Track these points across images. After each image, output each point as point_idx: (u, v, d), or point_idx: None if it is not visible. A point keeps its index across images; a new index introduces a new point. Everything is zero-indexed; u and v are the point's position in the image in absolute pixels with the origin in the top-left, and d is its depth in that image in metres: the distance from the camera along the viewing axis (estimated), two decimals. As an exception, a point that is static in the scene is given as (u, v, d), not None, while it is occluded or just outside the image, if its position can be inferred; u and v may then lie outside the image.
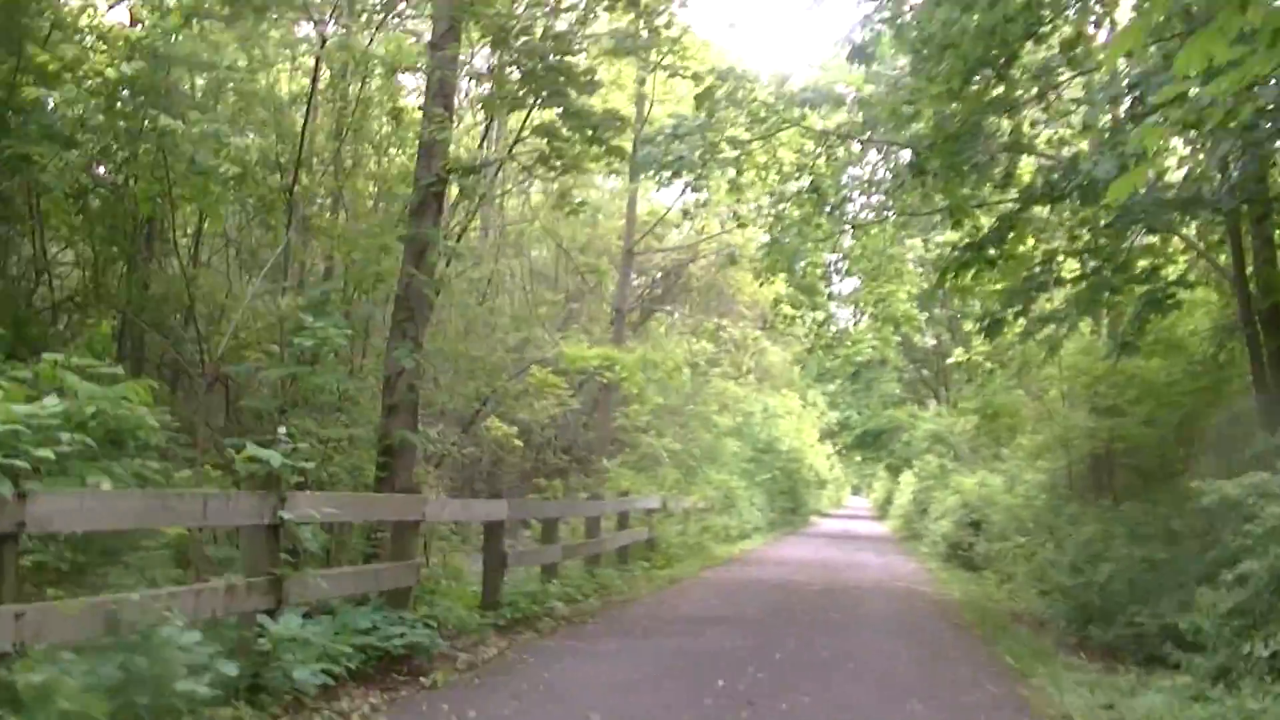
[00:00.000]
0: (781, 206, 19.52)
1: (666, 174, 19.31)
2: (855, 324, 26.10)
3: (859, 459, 76.53)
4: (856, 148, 19.36)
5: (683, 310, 31.47)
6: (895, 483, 66.72)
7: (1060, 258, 14.77)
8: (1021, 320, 15.12)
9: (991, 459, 31.19)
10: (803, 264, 20.80)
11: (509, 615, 11.94)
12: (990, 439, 31.15)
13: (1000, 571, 20.96)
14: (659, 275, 29.91)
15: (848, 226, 20.29)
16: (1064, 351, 21.56)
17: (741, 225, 20.97)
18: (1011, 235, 14.82)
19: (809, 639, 12.11)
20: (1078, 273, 14.89)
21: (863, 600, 16.87)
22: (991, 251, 14.92)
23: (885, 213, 19.91)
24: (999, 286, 17.14)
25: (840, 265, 23.40)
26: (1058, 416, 22.65)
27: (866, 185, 19.89)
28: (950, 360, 25.69)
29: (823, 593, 17.65)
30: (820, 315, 23.43)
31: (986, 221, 16.09)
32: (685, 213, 20.75)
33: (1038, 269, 14.71)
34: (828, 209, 20.03)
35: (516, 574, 13.34)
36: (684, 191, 19.80)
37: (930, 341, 43.81)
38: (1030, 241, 15.75)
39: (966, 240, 15.38)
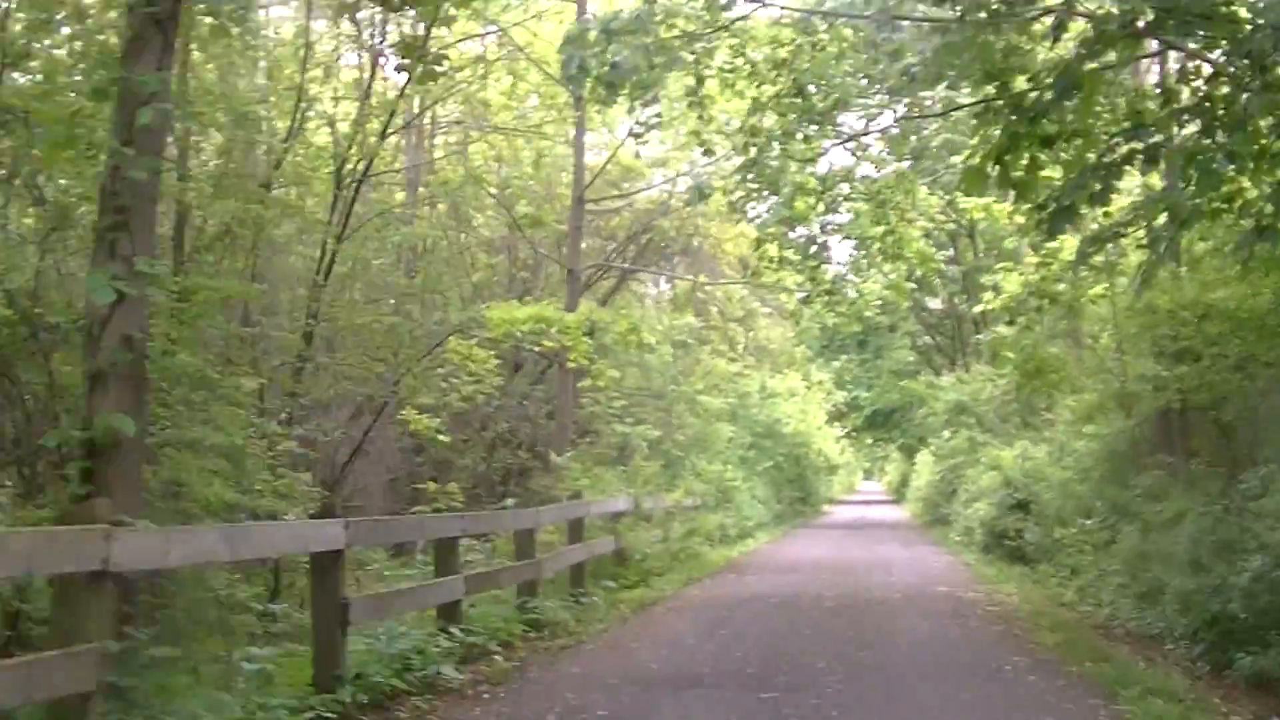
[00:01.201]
0: (756, 116, 15.13)
1: (602, 89, 14.94)
2: (860, 263, 21.54)
3: (870, 441, 72.58)
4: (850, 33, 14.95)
5: (662, 277, 27.02)
6: (910, 464, 62.75)
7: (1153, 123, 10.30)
8: (1100, 212, 10.74)
9: (1024, 427, 26.91)
10: (785, 192, 16.37)
11: (352, 698, 7.59)
12: (1026, 403, 26.89)
13: (1061, 565, 16.61)
14: (626, 237, 25.47)
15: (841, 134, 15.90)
16: (1119, 285, 17.39)
17: (708, 152, 16.56)
18: (1079, 97, 10.35)
19: (830, 708, 7.76)
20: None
21: (899, 621, 12.46)
22: (1049, 125, 10.45)
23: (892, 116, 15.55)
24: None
25: (834, 195, 19.02)
26: (1114, 368, 18.41)
27: (866, 83, 15.52)
28: (980, 308, 21.18)
29: (843, 612, 13.29)
30: (812, 249, 18.96)
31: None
32: (633, 134, 16.36)
33: (1118, 142, 10.27)
34: (814, 125, 15.71)
35: (392, 626, 8.99)
36: (631, 110, 15.33)
37: (938, 304, 39.46)
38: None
39: (1009, 108, 10.84)
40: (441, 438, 15.41)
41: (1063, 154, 10.52)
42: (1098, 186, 9.84)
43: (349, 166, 15.93)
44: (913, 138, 21.13)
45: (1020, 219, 19.58)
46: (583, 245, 23.32)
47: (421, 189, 22.09)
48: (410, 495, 23.06)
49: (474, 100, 21.16)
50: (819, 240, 19.09)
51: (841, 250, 23.01)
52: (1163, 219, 9.96)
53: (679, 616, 13.14)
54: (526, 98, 21.68)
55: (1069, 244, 17.74)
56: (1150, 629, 11.45)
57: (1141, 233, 11.07)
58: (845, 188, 17.37)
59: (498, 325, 15.13)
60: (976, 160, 10.53)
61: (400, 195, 21.36)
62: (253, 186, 12.98)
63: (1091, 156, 10.50)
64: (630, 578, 16.16)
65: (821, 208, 18.67)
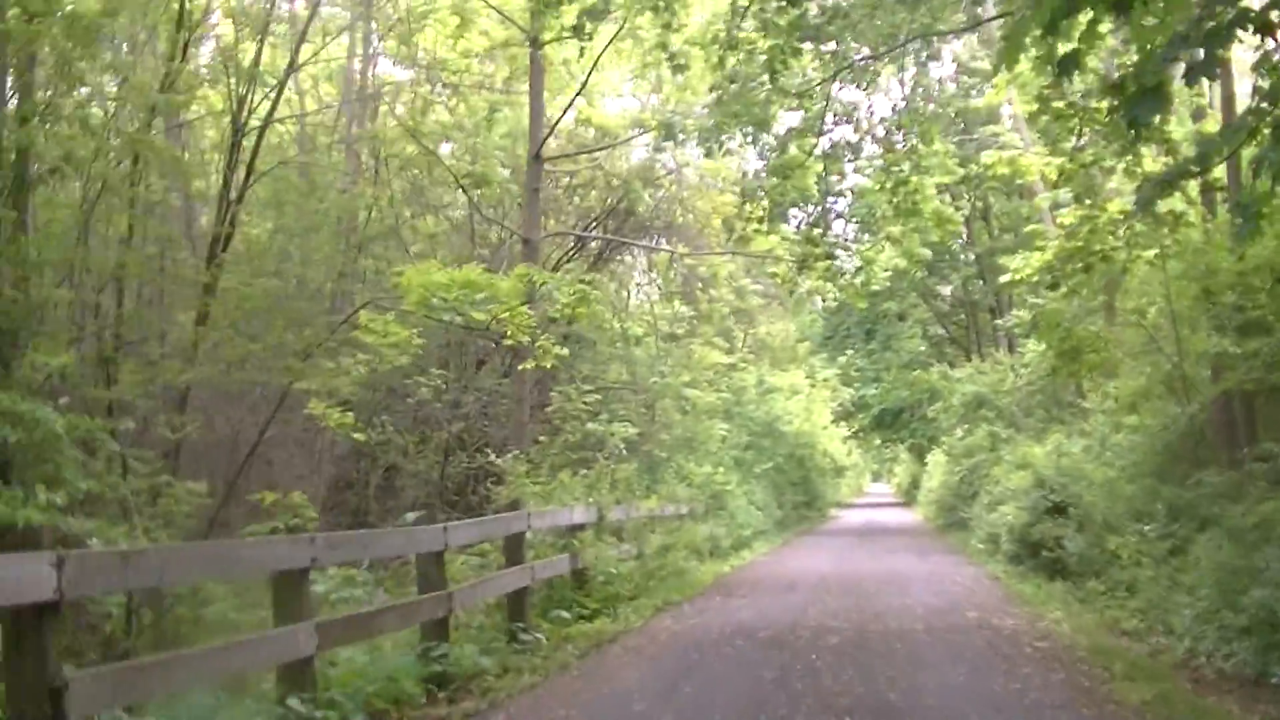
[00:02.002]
0: (735, 21, 12.22)
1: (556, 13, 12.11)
2: (868, 222, 18.47)
3: (878, 442, 69.62)
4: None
5: (643, 253, 24.11)
6: (921, 465, 59.71)
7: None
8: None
9: (1051, 421, 24.00)
10: (773, 135, 13.49)
11: None
12: (1052, 394, 24.00)
13: (1113, 581, 13.70)
14: (603, 210, 22.51)
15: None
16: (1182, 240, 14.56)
17: (678, 69, 13.65)
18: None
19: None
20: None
21: (925, 669, 9.44)
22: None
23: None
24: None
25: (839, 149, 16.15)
26: (1165, 346, 15.66)
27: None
28: (1006, 278, 18.25)
29: (849, 652, 10.34)
30: (810, 213, 16.07)
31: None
32: (581, 49, 13.37)
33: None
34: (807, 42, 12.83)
35: (191, 705, 6.11)
36: (581, 30, 12.43)
37: (949, 290, 36.51)
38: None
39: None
40: (357, 435, 12.49)
41: (1144, 20, 7.59)
42: (1198, 55, 6.86)
43: (248, 111, 13.10)
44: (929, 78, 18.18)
45: (1052, 171, 16.75)
46: (551, 222, 20.51)
47: (367, 157, 19.29)
48: (354, 506, 20.27)
49: (421, 50, 18.31)
50: (818, 202, 16.20)
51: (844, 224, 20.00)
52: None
53: (637, 661, 10.20)
54: (477, 50, 18.79)
55: (1112, 205, 14.89)
56: (1247, 668, 8.67)
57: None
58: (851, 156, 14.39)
59: (412, 291, 12.26)
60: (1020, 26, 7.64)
61: (338, 157, 18.54)
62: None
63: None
64: (590, 605, 13.25)
65: (820, 153, 15.80)
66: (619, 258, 24.68)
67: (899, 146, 15.25)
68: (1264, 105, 6.74)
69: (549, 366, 16.00)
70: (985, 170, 18.47)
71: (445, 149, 20.65)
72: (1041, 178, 17.26)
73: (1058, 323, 16.13)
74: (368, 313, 13.11)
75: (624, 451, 19.15)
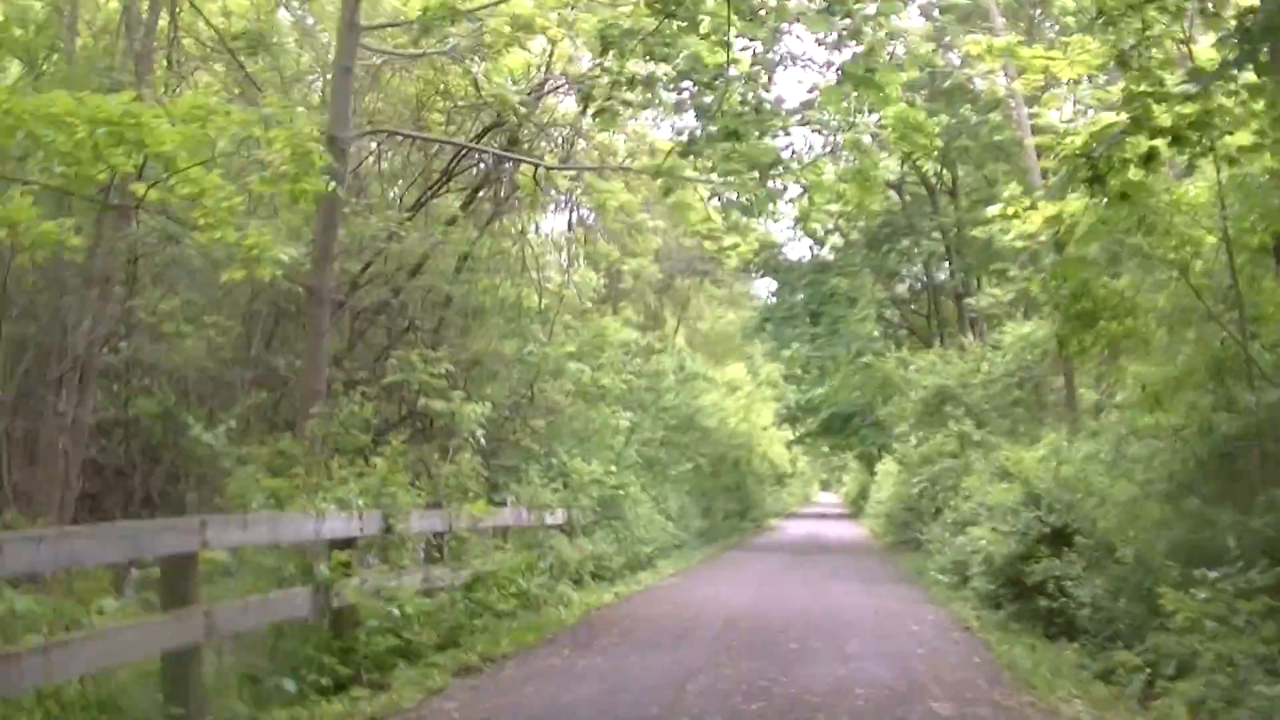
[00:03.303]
0: None
1: None
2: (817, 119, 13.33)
3: (826, 449, 65.21)
4: None
5: (498, 156, 19.01)
6: (870, 475, 55.17)
7: None
8: None
9: (1030, 420, 19.41)
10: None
11: None
12: (1034, 388, 19.34)
13: (1162, 653, 8.90)
14: (484, 128, 17.34)
15: None
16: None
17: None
18: None
19: None
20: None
21: None
22: None
23: None
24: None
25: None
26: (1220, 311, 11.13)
27: None
28: (995, 209, 13.51)
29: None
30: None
31: None
32: None
33: None
34: None
35: None
36: None
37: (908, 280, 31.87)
38: None
39: None
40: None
41: None
42: None
43: None
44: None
45: (1068, 65, 12.00)
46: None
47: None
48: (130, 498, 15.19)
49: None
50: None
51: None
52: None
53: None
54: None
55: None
56: None
57: None
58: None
59: None
60: None
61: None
62: None
63: None
64: (344, 670, 8.30)
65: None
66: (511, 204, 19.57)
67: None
68: None
69: (268, 279, 11.00)
70: (964, 72, 13.71)
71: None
72: (1045, 78, 12.48)
73: (1075, 272, 11.36)
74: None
75: (481, 440, 14.24)
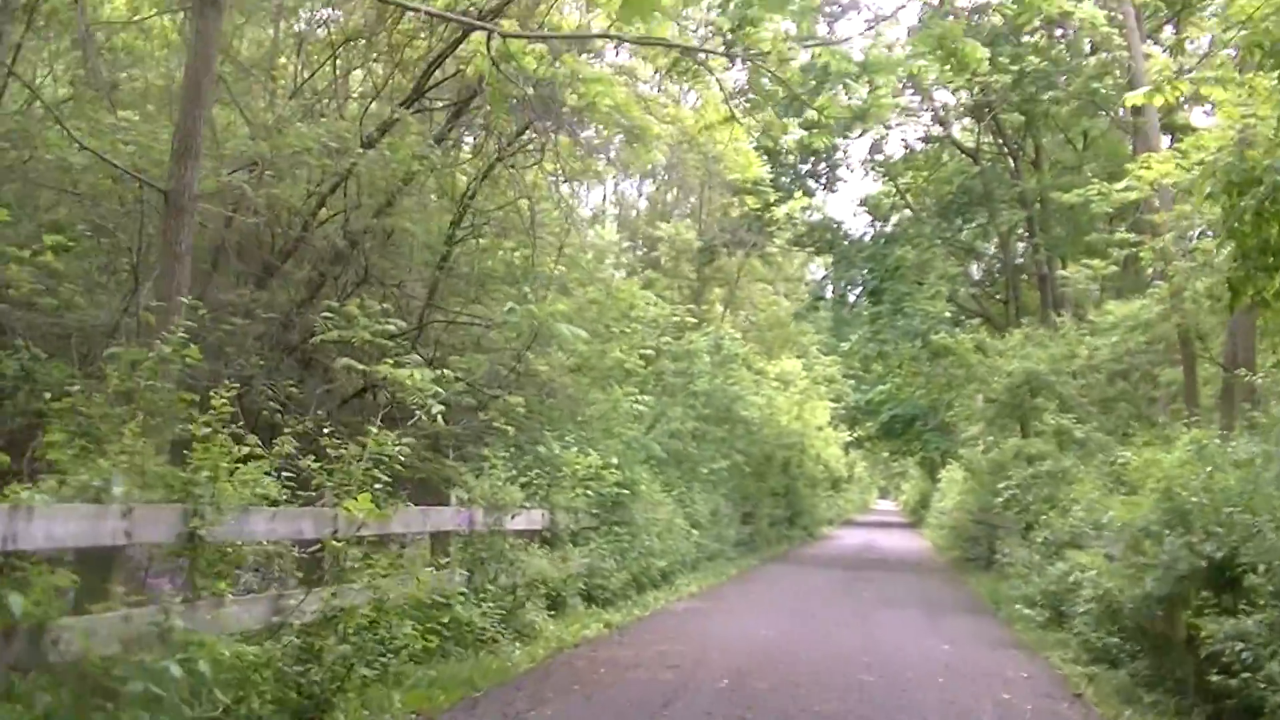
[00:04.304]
0: None
1: None
2: None
3: (886, 454, 61.41)
4: None
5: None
6: (932, 482, 51.20)
7: None
8: None
9: (1138, 418, 15.73)
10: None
11: None
12: (1144, 375, 15.60)
13: None
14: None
15: None
16: None
17: None
18: None
19: None
20: None
21: None
22: None
23: None
24: None
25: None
26: None
27: None
28: (1139, 94, 9.76)
29: None
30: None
31: None
32: None
33: None
34: None
35: None
36: None
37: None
38: None
39: None
40: None
41: None
42: None
43: None
44: None
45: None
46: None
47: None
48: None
49: None
50: None
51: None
52: None
53: None
54: None
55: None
56: None
57: None
58: None
59: None
60: None
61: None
62: None
63: None
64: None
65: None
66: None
67: None
68: None
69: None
70: None
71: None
72: None
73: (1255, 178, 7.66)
74: None
75: (438, 418, 10.75)
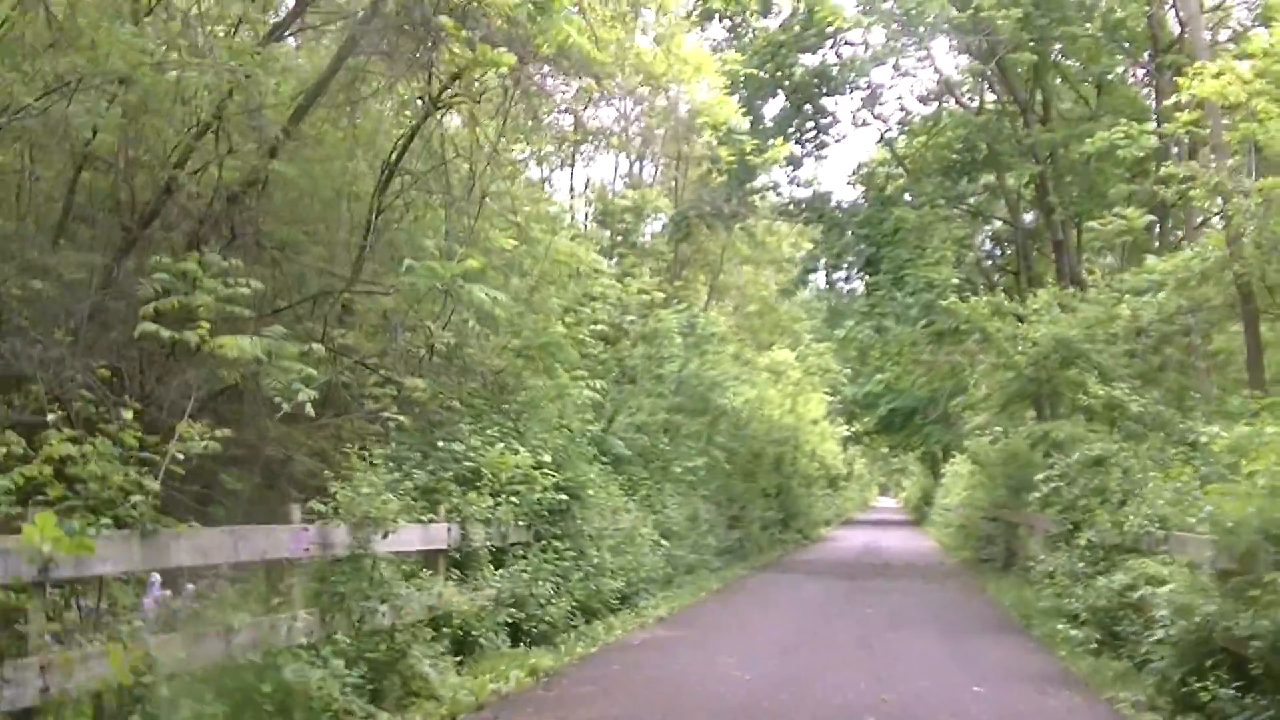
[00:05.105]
0: None
1: None
2: None
3: (886, 449, 58.92)
4: None
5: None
6: (934, 478, 48.64)
7: None
8: None
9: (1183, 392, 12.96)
10: None
11: None
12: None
13: None
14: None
15: None
16: None
17: None
18: None
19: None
20: None
21: None
22: None
23: None
24: None
25: None
26: None
27: None
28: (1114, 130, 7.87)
29: None
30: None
31: None
32: None
33: None
34: None
35: None
36: None
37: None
38: None
39: None
40: None
41: None
42: None
43: None
44: None
45: None
46: None
47: None
48: None
49: None
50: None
51: None
52: None
53: None
54: None
55: None
56: None
57: None
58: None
59: None
60: None
61: None
62: None
63: None
64: None
65: None
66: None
67: None
68: None
69: None
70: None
71: None
72: None
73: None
74: None
75: (308, 408, 8.02)
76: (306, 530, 6.92)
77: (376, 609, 7.42)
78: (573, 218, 20.18)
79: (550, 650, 9.94)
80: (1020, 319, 15.37)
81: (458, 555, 9.47)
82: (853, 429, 46.02)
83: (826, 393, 37.55)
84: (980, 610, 15.25)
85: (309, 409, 8.23)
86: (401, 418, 9.32)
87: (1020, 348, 15.12)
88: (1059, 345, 14.01)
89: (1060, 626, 11.34)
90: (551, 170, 21.00)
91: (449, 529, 9.26)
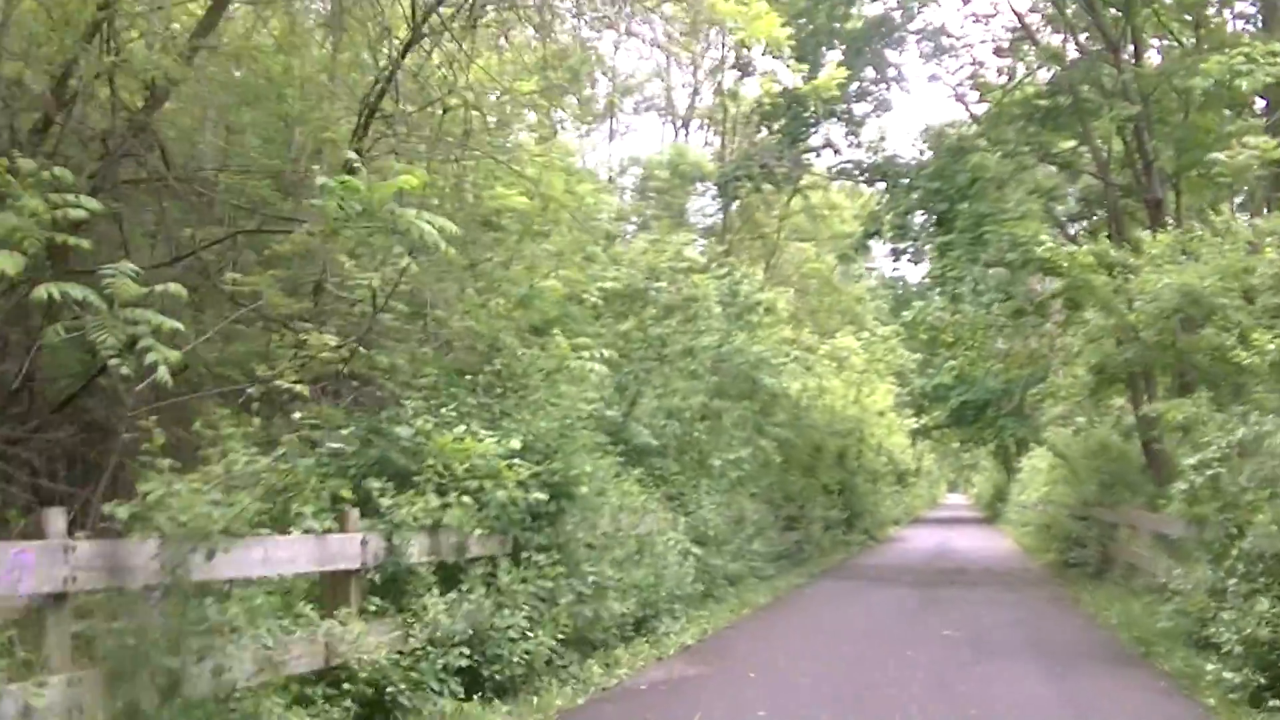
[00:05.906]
0: None
1: None
2: None
3: (956, 444, 55.79)
4: None
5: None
6: (1008, 473, 45.68)
7: None
8: None
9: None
10: None
11: None
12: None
13: None
14: None
15: None
16: None
17: None
18: None
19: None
20: None
21: None
22: None
23: None
24: None
25: None
26: None
27: None
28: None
29: None
30: None
31: None
32: None
33: None
34: None
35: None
36: None
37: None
38: None
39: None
40: None
41: None
42: None
43: None
44: None
45: None
46: None
47: None
48: None
49: None
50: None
51: None
52: None
53: None
54: None
55: None
56: None
57: None
58: None
59: None
60: None
61: None
62: None
63: None
64: None
65: None
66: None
67: None
68: None
69: None
70: None
71: None
72: None
73: None
74: None
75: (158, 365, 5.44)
76: (23, 554, 4.31)
77: (192, 667, 4.83)
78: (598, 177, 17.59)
79: (515, 705, 7.31)
80: (1131, 273, 12.47)
81: (376, 579, 6.87)
82: (921, 422, 43.17)
83: (893, 382, 34.73)
84: (1082, 630, 12.42)
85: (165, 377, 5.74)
86: (299, 386, 6.75)
87: (1137, 303, 12.19)
88: (1187, 298, 11.09)
89: (1202, 663, 8.54)
90: (586, 129, 18.48)
91: (364, 541, 6.67)
